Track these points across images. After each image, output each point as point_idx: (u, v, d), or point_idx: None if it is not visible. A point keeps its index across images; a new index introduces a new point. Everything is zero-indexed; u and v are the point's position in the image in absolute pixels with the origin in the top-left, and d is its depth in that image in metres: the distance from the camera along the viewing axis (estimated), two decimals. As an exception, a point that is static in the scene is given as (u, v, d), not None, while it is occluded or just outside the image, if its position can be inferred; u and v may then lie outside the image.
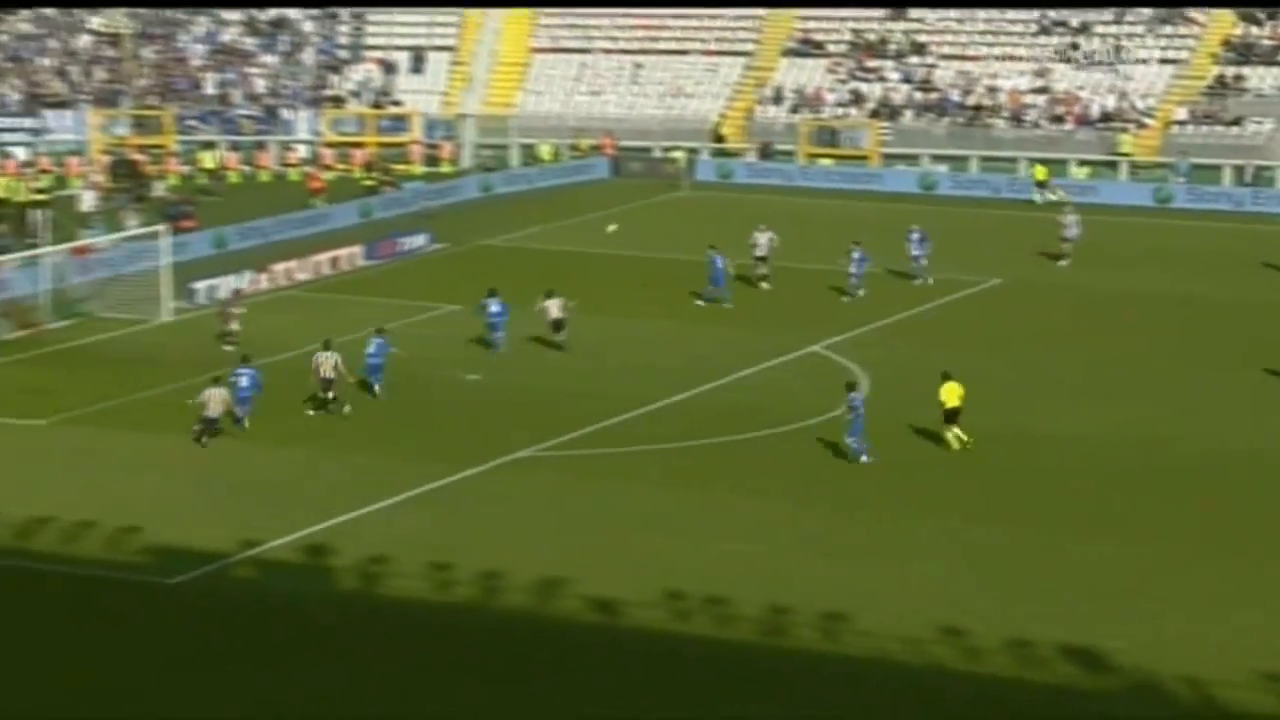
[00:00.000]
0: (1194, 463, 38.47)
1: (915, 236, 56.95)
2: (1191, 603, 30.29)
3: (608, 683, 27.36)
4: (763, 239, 55.74)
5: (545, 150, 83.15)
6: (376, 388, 43.20)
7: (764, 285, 54.97)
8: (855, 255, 54.29)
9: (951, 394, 39.10)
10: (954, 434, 38.97)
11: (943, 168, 79.47)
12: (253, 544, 33.08)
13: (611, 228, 45.65)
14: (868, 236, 57.37)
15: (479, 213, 71.68)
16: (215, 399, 39.50)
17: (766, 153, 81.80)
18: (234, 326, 49.14)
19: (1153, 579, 31.44)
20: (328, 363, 41.78)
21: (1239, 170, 75.76)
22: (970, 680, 27.21)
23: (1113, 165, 78.28)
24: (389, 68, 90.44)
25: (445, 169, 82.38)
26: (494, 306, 48.04)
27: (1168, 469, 38.12)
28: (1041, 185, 74.76)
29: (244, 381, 40.56)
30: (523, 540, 33.51)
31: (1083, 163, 78.52)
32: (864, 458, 37.82)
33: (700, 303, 53.17)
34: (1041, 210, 72.10)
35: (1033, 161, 78.09)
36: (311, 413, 41.73)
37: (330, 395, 41.73)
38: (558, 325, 48.23)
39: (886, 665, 27.70)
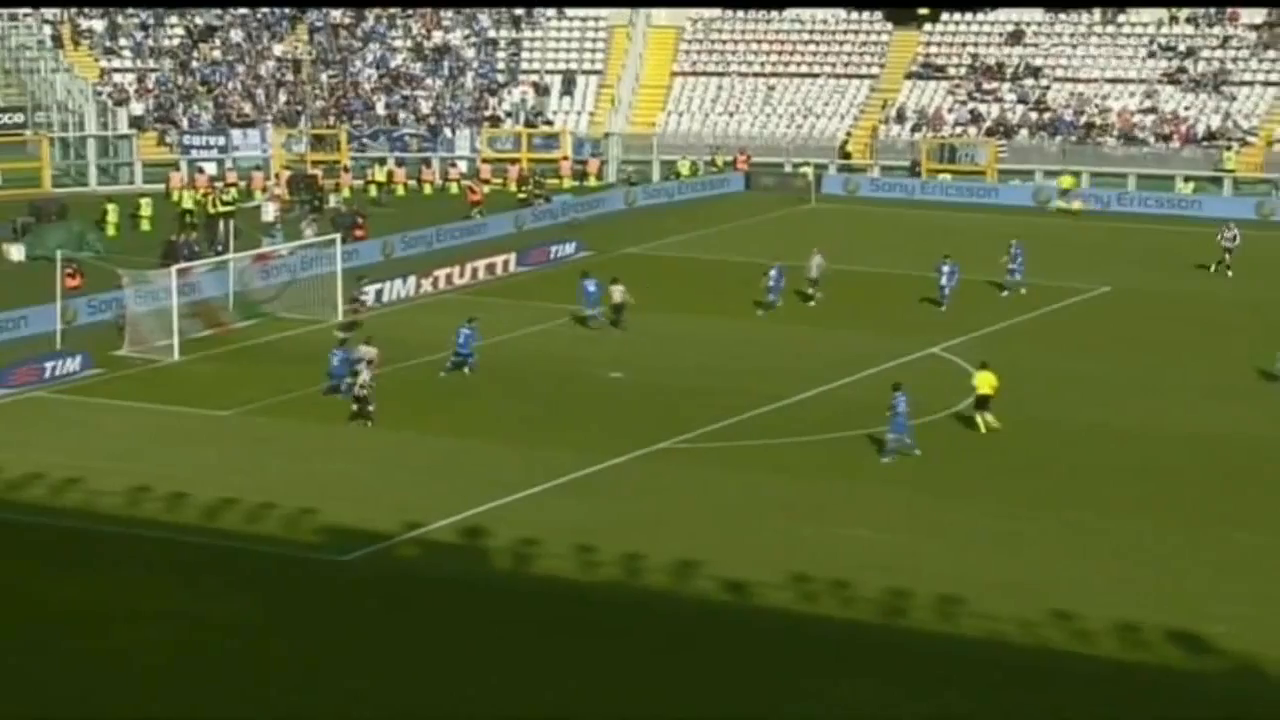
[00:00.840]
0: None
1: (1013, 250, 55.43)
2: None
3: (736, 657, 27.31)
4: (813, 262, 54.31)
5: (684, 166, 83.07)
6: (467, 369, 44.73)
7: (811, 304, 53.27)
8: (945, 269, 52.80)
9: (985, 382, 39.33)
10: (984, 419, 39.10)
11: (1054, 183, 78.29)
12: (415, 525, 33.40)
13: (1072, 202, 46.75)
14: (980, 246, 56.56)
15: (623, 223, 71.77)
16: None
17: (915, 170, 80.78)
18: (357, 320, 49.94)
19: (1254, 568, 30.76)
20: (365, 355, 42.57)
21: (1339, 186, 73.97)
22: (1080, 661, 26.80)
23: (1216, 181, 76.70)
24: (542, 90, 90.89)
25: (592, 183, 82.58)
26: (590, 286, 50.08)
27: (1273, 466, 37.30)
28: (1065, 193, 73.91)
29: (334, 361, 42.82)
30: (661, 525, 33.53)
31: (1188, 179, 77.06)
32: (885, 459, 37.19)
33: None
34: (1149, 223, 70.88)
35: (1141, 177, 77.00)
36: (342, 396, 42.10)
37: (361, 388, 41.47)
38: (618, 309, 49.74)
39: (999, 646, 27.39)
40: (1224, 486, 35.81)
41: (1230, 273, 58.31)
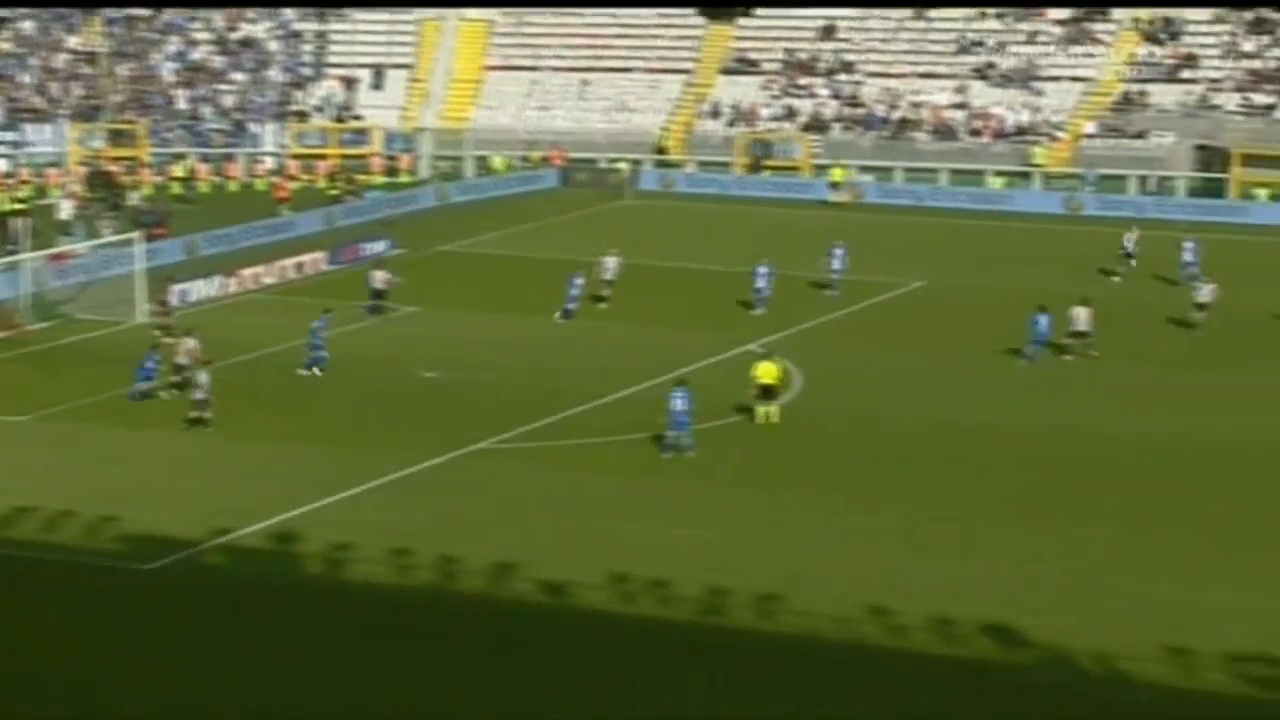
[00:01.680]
0: (1110, 448, 38.69)
1: (838, 253, 56.11)
2: (1102, 580, 30.47)
3: (552, 659, 27.34)
4: (609, 263, 54.25)
5: (498, 161, 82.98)
6: (316, 368, 44.47)
7: (602, 305, 52.66)
8: (762, 270, 52.35)
9: (766, 372, 39.88)
10: (765, 410, 39.66)
11: (869, 178, 79.73)
12: (224, 531, 32.90)
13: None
14: (798, 242, 57.26)
15: (436, 220, 71.47)
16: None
17: (757, 166, 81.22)
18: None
19: (1065, 559, 31.62)
20: (185, 348, 42.45)
21: (1142, 180, 76.41)
22: (897, 656, 27.32)
23: (1026, 176, 78.77)
24: (350, 84, 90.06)
25: (404, 179, 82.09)
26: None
27: (1088, 456, 38.35)
28: (835, 186, 75.46)
29: (148, 363, 42.29)
30: (479, 527, 33.45)
31: (998, 173, 78.99)
32: (665, 454, 37.46)
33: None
34: (962, 218, 72.58)
35: (954, 172, 78.83)
36: (167, 394, 42.10)
37: (182, 379, 42.00)
38: (379, 295, 51.37)
39: (818, 643, 27.77)
40: (1035, 478, 36.74)
41: (1117, 278, 58.12)
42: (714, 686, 26.26)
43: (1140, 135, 78.89)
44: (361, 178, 79.09)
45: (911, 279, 58.22)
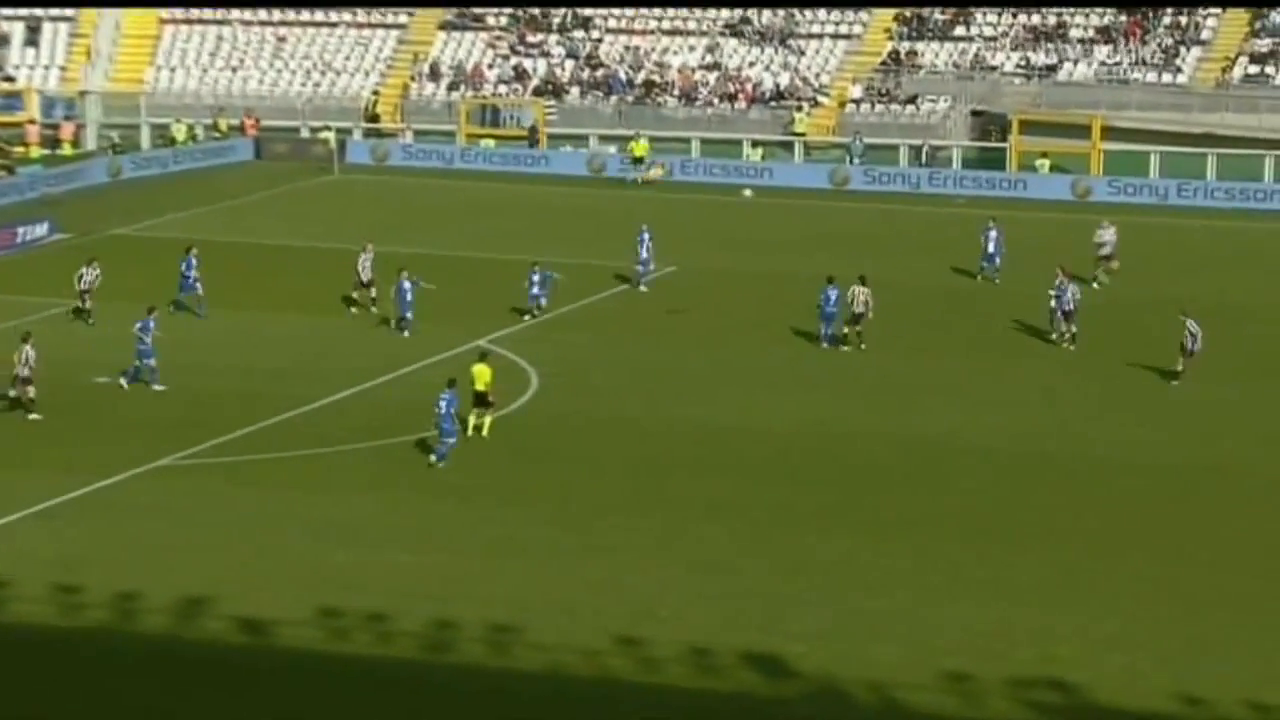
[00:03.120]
0: (873, 453, 39.62)
1: (643, 236, 55.25)
2: (874, 602, 31.15)
3: (251, 707, 26.93)
4: (367, 260, 51.91)
5: (180, 130, 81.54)
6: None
7: (353, 310, 51.52)
8: (536, 278, 51.32)
9: (479, 377, 39.53)
10: (477, 419, 39.45)
11: (612, 149, 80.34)
12: None
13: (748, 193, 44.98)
14: (529, 221, 57.27)
15: (107, 199, 70.07)
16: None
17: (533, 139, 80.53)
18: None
19: (832, 578, 32.24)
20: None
21: (915, 150, 78.35)
22: (648, 692, 27.53)
23: (787, 146, 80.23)
24: (0, 40, 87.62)
25: (67, 151, 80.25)
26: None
27: (847, 457, 39.19)
28: (638, 162, 76.11)
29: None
30: (163, 557, 32.80)
31: (756, 143, 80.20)
32: (438, 462, 37.70)
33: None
34: (716, 193, 73.59)
35: (705, 141, 79.94)
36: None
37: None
38: (85, 295, 50.00)
39: (559, 679, 27.85)
40: (799, 486, 37.39)
41: (1098, 284, 55.03)
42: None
43: (911, 100, 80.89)
44: (15, 149, 77.20)
45: (662, 263, 58.74)
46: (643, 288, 55.15)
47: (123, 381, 43.55)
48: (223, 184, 73.77)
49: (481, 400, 39.76)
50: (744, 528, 34.65)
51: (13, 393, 41.29)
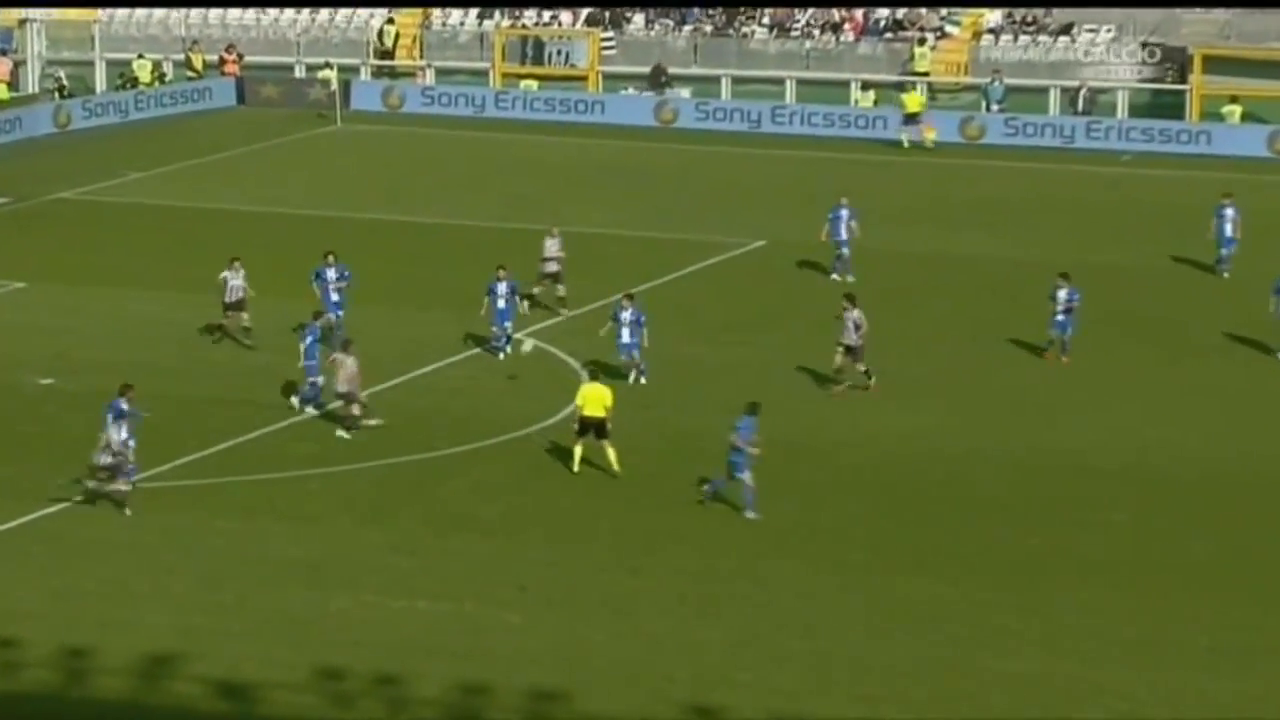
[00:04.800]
0: (993, 480, 39.55)
1: (844, 214, 54.30)
2: (1004, 664, 31.14)
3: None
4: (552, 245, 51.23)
5: (143, 70, 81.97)
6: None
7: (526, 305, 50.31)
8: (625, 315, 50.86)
9: (592, 401, 38.99)
10: (582, 451, 38.94)
11: (685, 92, 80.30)
12: None
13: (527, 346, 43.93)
14: (585, 186, 57.28)
15: (52, 155, 70.64)
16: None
17: (659, 80, 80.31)
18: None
19: (935, 627, 32.25)
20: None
21: (1070, 95, 77.87)
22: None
23: (903, 88, 79.88)
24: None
25: (2, 95, 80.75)
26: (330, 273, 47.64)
27: (960, 489, 39.15)
28: (912, 120, 74.78)
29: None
30: (120, 604, 33.04)
31: (866, 85, 79.91)
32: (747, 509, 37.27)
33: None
34: (815, 148, 73.48)
35: (801, 83, 79.78)
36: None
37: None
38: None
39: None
40: (903, 516, 37.40)
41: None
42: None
43: (1065, 31, 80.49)
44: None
45: (749, 237, 58.72)
46: (843, 277, 53.71)
47: (294, 401, 43.25)
48: (198, 138, 74.22)
49: (598, 429, 38.95)
50: (828, 567, 34.69)
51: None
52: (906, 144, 73.79)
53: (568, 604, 33.34)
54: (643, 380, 44.42)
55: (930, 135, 73.87)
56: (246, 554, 35.33)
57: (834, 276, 53.66)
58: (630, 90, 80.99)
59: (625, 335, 44.52)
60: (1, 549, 35.42)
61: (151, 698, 29.76)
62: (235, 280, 46.68)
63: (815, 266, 55.24)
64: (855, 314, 43.85)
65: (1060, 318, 46.61)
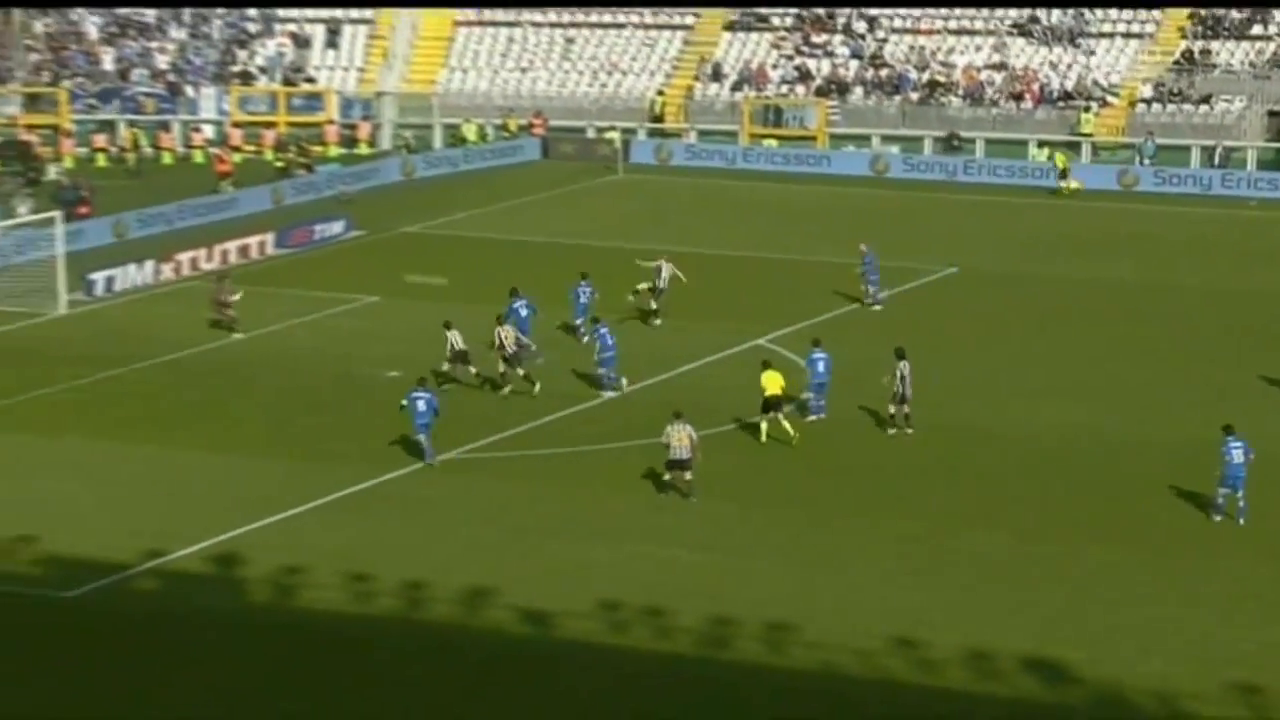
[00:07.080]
0: (1149, 465, 38.61)
1: (866, 258, 53.20)
2: (1154, 611, 30.51)
3: (538, 697, 27.37)
4: (664, 270, 50.98)
5: (470, 130, 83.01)
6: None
7: (656, 322, 50.68)
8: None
9: (771, 382, 39.55)
10: (768, 424, 39.39)
11: (894, 149, 79.78)
12: (157, 554, 32.87)
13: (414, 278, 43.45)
14: (813, 223, 57.12)
15: (400, 198, 71.51)
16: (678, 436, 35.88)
17: (952, 144, 79.41)
18: (230, 308, 48.79)
19: (1110, 586, 31.63)
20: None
21: (1208, 151, 76.39)
22: (926, 694, 27.34)
23: (1074, 146, 78.80)
24: (302, 42, 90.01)
25: (363, 150, 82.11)
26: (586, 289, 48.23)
27: (1126, 472, 38.34)
28: (1064, 176, 73.21)
29: (420, 406, 37.97)
30: (448, 548, 33.43)
31: (1042, 144, 78.96)
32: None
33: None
34: (999, 194, 72.68)
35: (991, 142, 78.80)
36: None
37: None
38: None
39: (836, 678, 27.80)
40: (1073, 495, 36.65)
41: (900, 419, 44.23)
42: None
43: (1205, 100, 78.92)
44: (314, 149, 79.10)
45: (943, 265, 58.20)
46: (875, 306, 52.70)
47: (624, 382, 43.48)
48: (511, 183, 74.82)
49: (771, 405, 39.42)
50: (1014, 534, 34.19)
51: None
52: (1065, 191, 72.56)
53: (795, 556, 33.26)
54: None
55: (1075, 185, 72.48)
56: (541, 512, 35.59)
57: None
58: (852, 148, 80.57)
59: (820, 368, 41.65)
60: (356, 505, 36.01)
61: (473, 621, 30.12)
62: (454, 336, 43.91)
63: (1003, 288, 54.66)
64: (903, 365, 40.30)
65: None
